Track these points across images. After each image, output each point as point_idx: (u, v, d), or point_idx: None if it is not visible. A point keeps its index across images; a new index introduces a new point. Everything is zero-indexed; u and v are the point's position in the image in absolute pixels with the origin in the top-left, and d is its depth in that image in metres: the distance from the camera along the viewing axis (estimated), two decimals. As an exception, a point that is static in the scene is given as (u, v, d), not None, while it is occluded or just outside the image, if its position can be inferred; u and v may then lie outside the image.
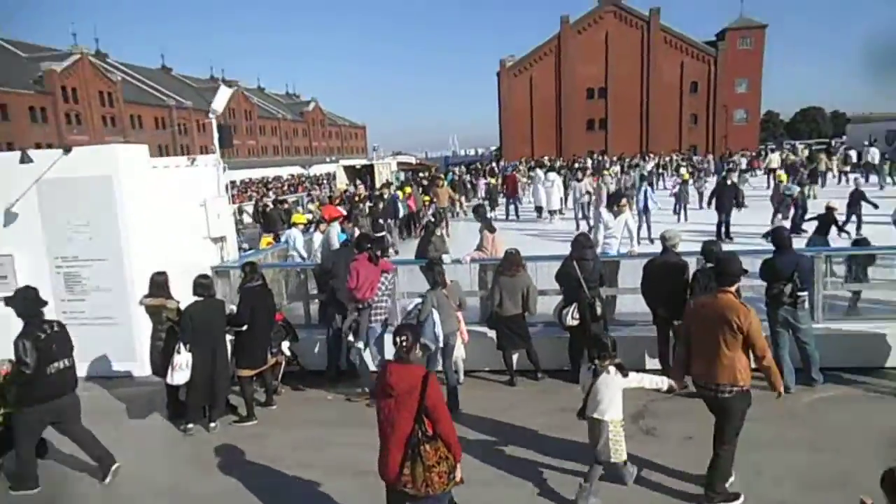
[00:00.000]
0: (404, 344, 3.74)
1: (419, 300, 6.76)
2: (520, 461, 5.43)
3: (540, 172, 21.30)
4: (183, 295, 6.53)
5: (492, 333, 7.27)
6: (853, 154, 29.97)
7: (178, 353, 6.14)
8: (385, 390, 3.69)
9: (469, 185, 25.66)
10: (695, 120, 66.04)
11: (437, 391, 3.70)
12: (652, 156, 41.70)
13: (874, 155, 27.42)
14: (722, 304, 4.40)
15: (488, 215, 10.28)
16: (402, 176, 40.59)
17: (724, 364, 4.32)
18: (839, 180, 26.29)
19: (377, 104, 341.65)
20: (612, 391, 4.61)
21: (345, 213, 12.45)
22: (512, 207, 20.90)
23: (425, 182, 20.59)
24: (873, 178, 25.22)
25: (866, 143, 33.35)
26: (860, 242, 7.91)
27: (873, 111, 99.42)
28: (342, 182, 41.21)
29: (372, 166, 42.31)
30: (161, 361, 6.41)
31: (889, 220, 11.25)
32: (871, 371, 6.74)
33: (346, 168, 43.65)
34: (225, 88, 9.53)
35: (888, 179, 25.25)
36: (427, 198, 18.80)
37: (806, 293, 6.28)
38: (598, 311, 6.88)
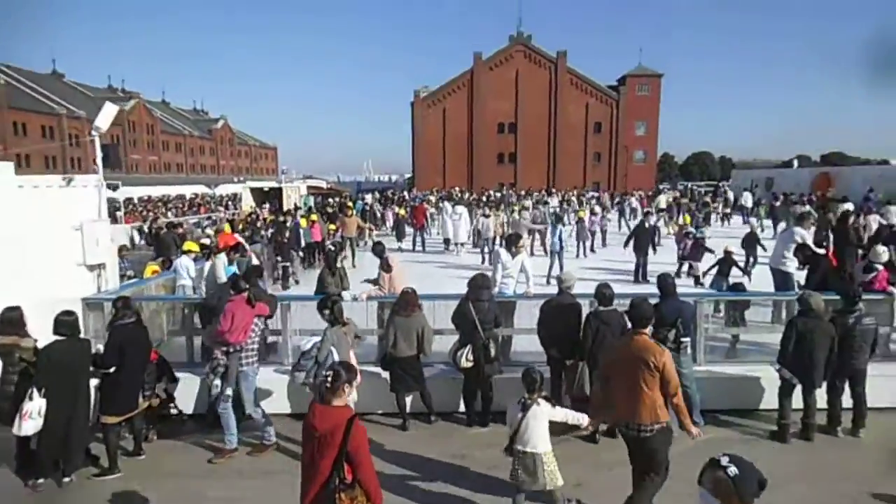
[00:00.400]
0: (327, 383, 3.60)
1: (316, 339, 6.47)
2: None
3: (448, 205, 21.39)
4: (46, 332, 5.86)
5: (386, 374, 7.05)
6: (731, 197, 32.94)
7: (30, 398, 5.48)
8: (308, 431, 3.55)
9: (378, 215, 25.40)
10: (598, 158, 69.43)
11: (362, 435, 3.54)
12: (556, 191, 43.12)
13: (747, 199, 30.73)
14: (638, 345, 4.65)
15: (394, 246, 10.21)
16: (311, 200, 39.73)
17: (646, 403, 4.52)
18: (722, 222, 28.47)
19: (290, 125, 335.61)
20: (541, 423, 4.73)
21: (241, 240, 11.90)
22: (419, 239, 20.75)
23: (329, 210, 20.09)
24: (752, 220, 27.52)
25: (745, 188, 36.46)
26: (736, 287, 8.39)
27: (756, 157, 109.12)
28: (248, 204, 39.87)
29: (280, 189, 41.21)
30: (9, 408, 5.69)
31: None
32: (746, 413, 7.08)
33: (254, 190, 42.25)
34: (110, 105, 8.87)
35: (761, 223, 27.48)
36: (333, 226, 18.38)
37: (688, 339, 6.52)
38: (493, 352, 6.85)
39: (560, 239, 15.35)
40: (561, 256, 15.26)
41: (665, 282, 6.65)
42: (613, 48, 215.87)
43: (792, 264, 9.13)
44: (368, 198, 37.33)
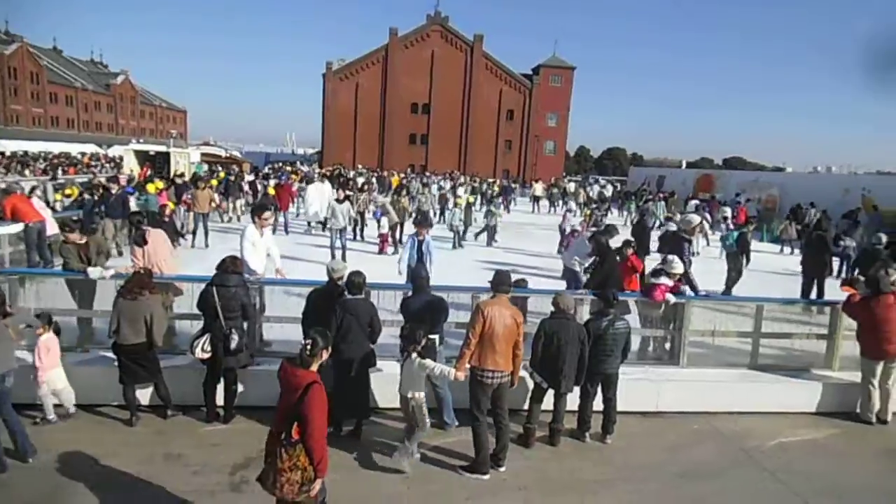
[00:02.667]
0: (307, 348, 3.85)
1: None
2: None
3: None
4: None
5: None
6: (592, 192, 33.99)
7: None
8: (280, 385, 3.87)
9: (248, 189, 23.37)
10: (509, 146, 69.96)
11: (318, 401, 3.71)
12: (453, 175, 42.67)
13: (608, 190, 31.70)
14: (504, 304, 5.57)
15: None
16: (204, 168, 37.49)
17: (509, 354, 5.53)
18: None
19: (213, 91, 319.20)
20: (417, 373, 5.45)
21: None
22: (281, 220, 18.63)
23: (177, 180, 18.55)
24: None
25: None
26: (518, 283, 8.13)
27: (667, 156, 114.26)
28: (130, 167, 37.27)
29: (168, 154, 38.72)
30: None
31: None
32: (513, 413, 6.78)
33: (138, 153, 39.55)
34: None
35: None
36: (172, 204, 16.76)
37: (436, 336, 6.14)
38: (234, 343, 6.22)
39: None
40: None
41: (417, 275, 6.24)
42: (529, 37, 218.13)
43: (582, 265, 9.08)
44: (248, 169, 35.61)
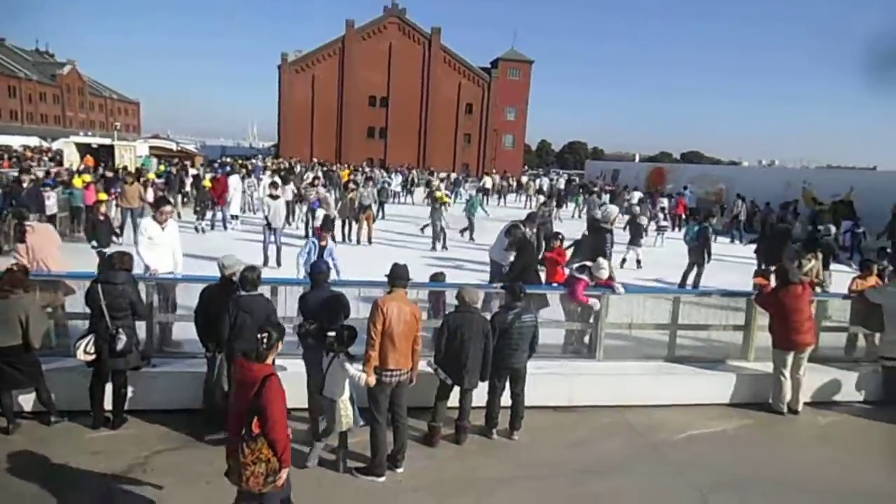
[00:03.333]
0: (263, 342, 3.89)
1: None
2: None
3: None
4: None
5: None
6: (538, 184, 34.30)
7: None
8: (235, 384, 4.03)
9: (191, 184, 22.40)
10: (468, 139, 69.84)
11: (275, 393, 3.78)
12: (400, 168, 42.03)
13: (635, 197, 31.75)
14: (402, 299, 5.40)
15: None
16: (152, 162, 36.26)
17: (408, 351, 5.37)
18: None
19: (171, 84, 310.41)
20: (341, 375, 5.24)
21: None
22: (220, 215, 18.03)
23: (108, 174, 17.72)
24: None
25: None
26: (436, 277, 7.95)
27: (629, 150, 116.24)
28: (70, 161, 35.81)
29: (112, 147, 37.39)
30: None
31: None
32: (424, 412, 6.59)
33: (80, 145, 38.10)
34: None
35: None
36: (103, 196, 15.99)
37: (333, 332, 5.87)
38: (121, 344, 5.84)
39: None
40: None
41: (316, 270, 5.96)
42: (487, 31, 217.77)
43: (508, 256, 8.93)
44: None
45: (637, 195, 26.88)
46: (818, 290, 8.12)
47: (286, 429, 3.83)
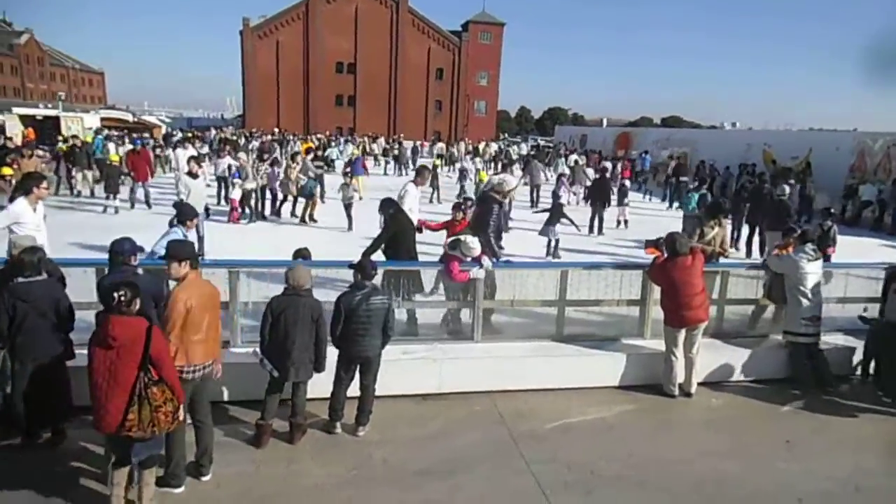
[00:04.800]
0: (122, 298, 3.91)
1: None
2: None
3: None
4: None
5: None
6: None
7: None
8: (106, 342, 3.86)
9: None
10: (440, 106, 68.49)
11: (162, 341, 4.07)
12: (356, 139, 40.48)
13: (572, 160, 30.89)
14: (200, 282, 4.71)
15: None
16: (104, 134, 34.75)
17: (214, 339, 4.74)
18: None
19: (150, 55, 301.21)
20: None
21: None
22: (140, 193, 16.35)
23: (9, 145, 16.53)
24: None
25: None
26: (300, 254, 7.15)
27: (610, 116, 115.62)
28: (13, 134, 34.24)
29: (58, 118, 35.88)
30: None
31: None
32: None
33: (24, 117, 36.50)
34: None
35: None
36: (8, 170, 14.92)
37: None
38: None
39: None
40: None
41: (113, 249, 5.13)
42: None
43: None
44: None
45: (574, 158, 26.31)
46: (723, 258, 7.46)
47: (175, 371, 4.18)
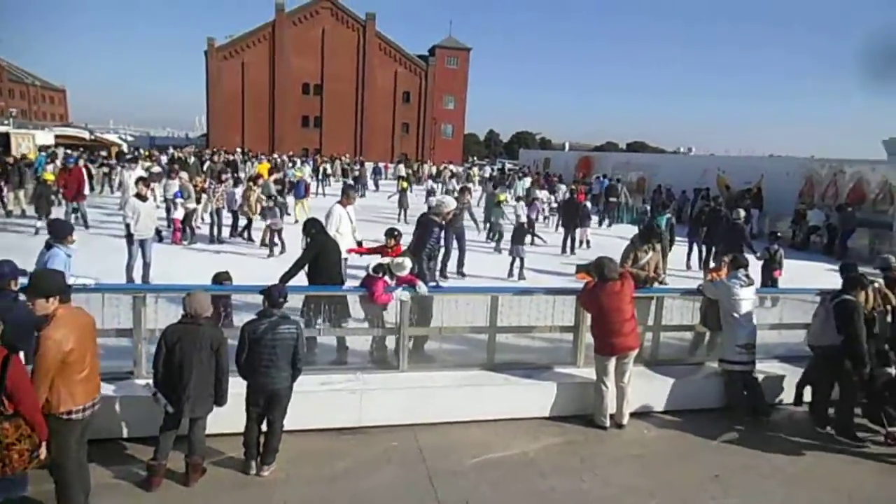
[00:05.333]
0: None
1: None
2: None
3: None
4: None
5: None
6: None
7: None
8: None
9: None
10: (406, 129, 68.58)
11: (20, 371, 3.70)
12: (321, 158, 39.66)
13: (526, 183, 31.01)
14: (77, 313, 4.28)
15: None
16: (59, 152, 33.68)
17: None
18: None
19: (119, 74, 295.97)
20: None
21: None
22: (76, 215, 15.04)
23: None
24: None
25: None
26: (218, 279, 6.78)
27: (580, 140, 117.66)
28: (-49, 153, 32.96)
29: (7, 135, 34.66)
30: None
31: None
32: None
33: (-38, 136, 35.19)
34: None
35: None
36: None
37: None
38: None
39: None
40: None
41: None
42: (424, 18, 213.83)
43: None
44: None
45: (528, 180, 26.80)
46: (657, 284, 7.29)
47: (38, 404, 3.81)
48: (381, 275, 6.40)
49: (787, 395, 7.09)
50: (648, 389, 6.62)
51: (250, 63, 62.28)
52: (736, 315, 6.57)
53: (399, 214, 20.14)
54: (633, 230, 21.47)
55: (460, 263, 12.09)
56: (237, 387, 5.07)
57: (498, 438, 5.87)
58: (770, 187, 22.79)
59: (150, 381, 4.90)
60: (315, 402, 5.83)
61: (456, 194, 16.94)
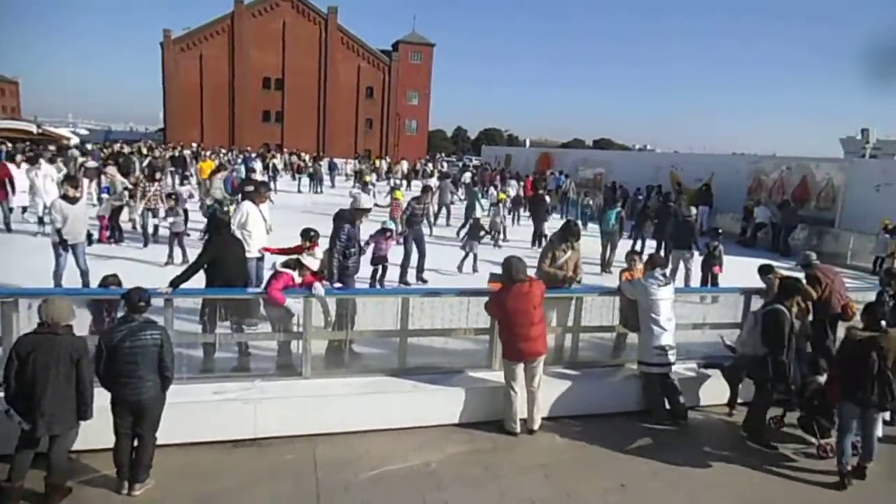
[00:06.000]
0: None
1: None
2: None
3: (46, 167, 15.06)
4: None
5: None
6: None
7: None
8: None
9: None
10: (370, 125, 67.87)
11: None
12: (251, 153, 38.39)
13: (466, 178, 30.56)
14: None
15: None
16: (2, 148, 32.23)
17: None
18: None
19: (71, 63, 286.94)
20: None
21: None
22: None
23: None
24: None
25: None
26: (105, 282, 6.37)
27: (548, 137, 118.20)
28: None
29: (-70, 130, 33.01)
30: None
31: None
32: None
33: None
34: None
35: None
36: None
37: None
38: None
39: None
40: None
41: None
42: (386, 13, 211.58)
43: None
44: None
45: (468, 175, 26.95)
46: (575, 284, 7.09)
47: None
48: (289, 270, 6.08)
49: (707, 398, 6.96)
50: (565, 393, 6.41)
51: (209, 56, 60.78)
52: (653, 315, 6.39)
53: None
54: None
55: (419, 268, 11.27)
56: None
57: (402, 448, 5.59)
58: (720, 184, 22.97)
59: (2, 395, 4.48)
60: (206, 412, 5.49)
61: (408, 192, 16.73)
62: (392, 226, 10.59)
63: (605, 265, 13.78)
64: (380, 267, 10.17)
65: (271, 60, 61.89)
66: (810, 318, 7.19)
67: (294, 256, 6.40)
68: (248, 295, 6.26)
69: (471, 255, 12.45)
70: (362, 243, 8.29)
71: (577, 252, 7.10)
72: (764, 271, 7.46)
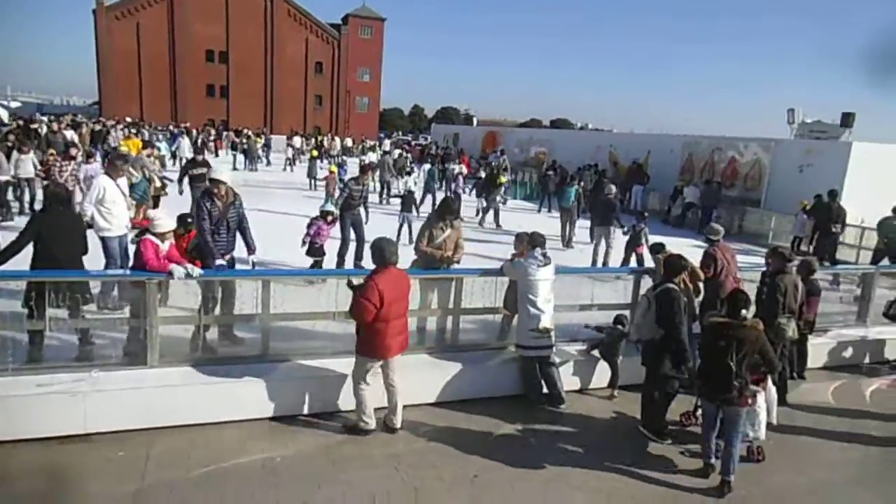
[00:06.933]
0: None
1: None
2: None
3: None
4: None
5: None
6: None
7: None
8: None
9: None
10: (320, 101, 66.28)
11: None
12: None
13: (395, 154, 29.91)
14: None
15: None
16: None
17: None
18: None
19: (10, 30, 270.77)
20: None
21: None
22: None
23: None
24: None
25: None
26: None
27: (507, 117, 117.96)
28: None
29: None
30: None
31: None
32: None
33: None
34: None
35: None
36: None
37: None
38: None
39: None
40: None
41: None
42: None
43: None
44: None
45: (398, 152, 26.94)
46: (454, 266, 6.75)
47: None
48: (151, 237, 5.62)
49: (590, 381, 6.77)
50: (438, 378, 6.11)
51: (146, 25, 58.03)
52: (530, 296, 6.11)
53: (310, 184, 22.29)
54: (525, 204, 22.00)
55: (358, 255, 10.38)
56: None
57: (247, 441, 5.19)
58: (656, 164, 23.08)
59: None
60: (28, 407, 4.98)
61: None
62: (331, 208, 9.65)
63: (567, 242, 14.48)
64: (315, 262, 9.26)
65: (214, 32, 59.57)
66: (700, 298, 7.06)
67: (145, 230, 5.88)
68: (109, 277, 5.74)
69: (405, 226, 12.98)
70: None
71: (458, 231, 6.75)
72: (655, 250, 7.29)
